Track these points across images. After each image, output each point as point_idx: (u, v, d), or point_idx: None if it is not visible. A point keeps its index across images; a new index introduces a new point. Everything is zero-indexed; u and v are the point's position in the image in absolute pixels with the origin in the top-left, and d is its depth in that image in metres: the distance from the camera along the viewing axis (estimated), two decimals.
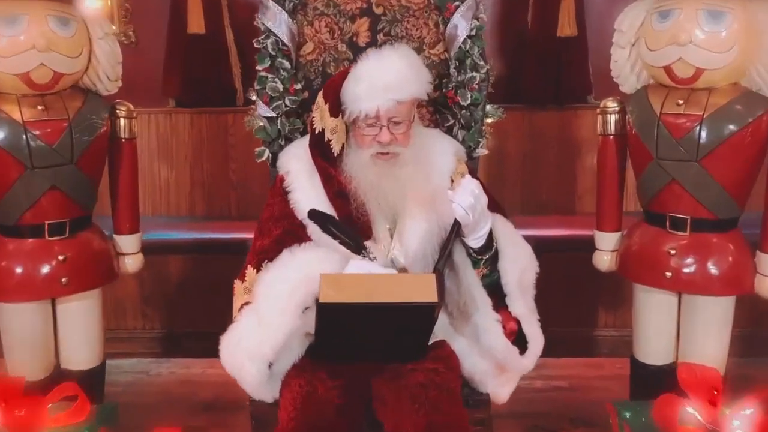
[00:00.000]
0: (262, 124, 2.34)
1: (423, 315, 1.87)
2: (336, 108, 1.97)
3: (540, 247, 2.15)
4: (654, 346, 2.64)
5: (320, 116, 2.02)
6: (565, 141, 3.93)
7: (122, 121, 2.65)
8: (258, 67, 2.31)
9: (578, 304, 3.61)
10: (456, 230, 1.96)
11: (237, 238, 3.38)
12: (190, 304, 3.65)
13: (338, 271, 1.85)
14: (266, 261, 1.93)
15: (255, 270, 1.94)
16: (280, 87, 2.30)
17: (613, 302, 3.59)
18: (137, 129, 2.71)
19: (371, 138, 1.98)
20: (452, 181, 2.08)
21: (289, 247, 1.91)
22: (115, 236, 2.74)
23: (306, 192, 2.05)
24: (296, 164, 2.12)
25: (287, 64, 2.30)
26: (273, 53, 2.29)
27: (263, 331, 1.84)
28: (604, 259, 2.76)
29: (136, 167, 2.73)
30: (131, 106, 2.68)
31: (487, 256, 2.01)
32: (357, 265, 1.89)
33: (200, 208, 3.99)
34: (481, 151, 2.40)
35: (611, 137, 2.67)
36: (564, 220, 3.73)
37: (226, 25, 3.97)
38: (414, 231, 2.04)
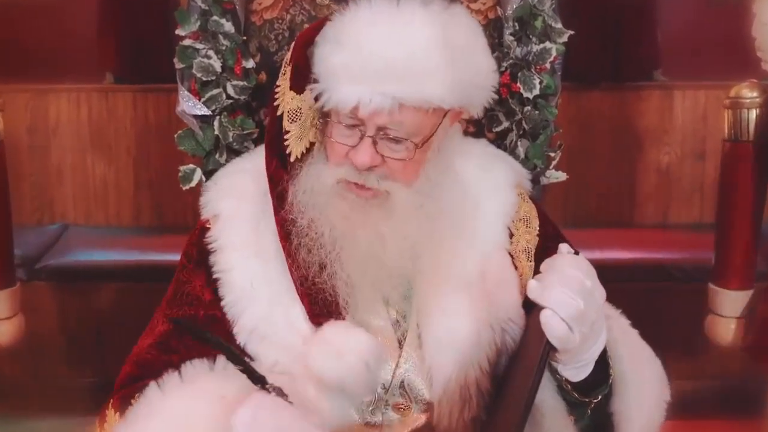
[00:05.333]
0: (189, 127, 1.74)
1: None
2: (301, 77, 1.36)
3: None
4: None
5: (284, 88, 1.45)
6: (622, 130, 3.65)
7: None
8: (179, 32, 1.73)
9: None
10: (545, 355, 1.19)
11: None
12: (131, 344, 3.28)
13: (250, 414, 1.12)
14: (135, 397, 1.27)
15: (116, 413, 1.31)
16: (218, 65, 1.72)
17: (686, 346, 3.05)
18: (2, 126, 2.26)
19: (344, 151, 1.30)
20: (511, 235, 1.40)
21: (166, 371, 1.26)
22: None
23: (241, 251, 1.38)
24: (230, 203, 1.46)
25: (229, 27, 1.75)
26: (204, 7, 1.72)
27: None
28: (729, 329, 2.24)
29: (5, 184, 2.25)
30: None
31: (598, 399, 1.29)
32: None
33: (147, 217, 3.72)
34: (557, 175, 1.77)
35: (749, 144, 2.17)
36: (619, 236, 3.43)
37: None
38: (445, 333, 1.32)
